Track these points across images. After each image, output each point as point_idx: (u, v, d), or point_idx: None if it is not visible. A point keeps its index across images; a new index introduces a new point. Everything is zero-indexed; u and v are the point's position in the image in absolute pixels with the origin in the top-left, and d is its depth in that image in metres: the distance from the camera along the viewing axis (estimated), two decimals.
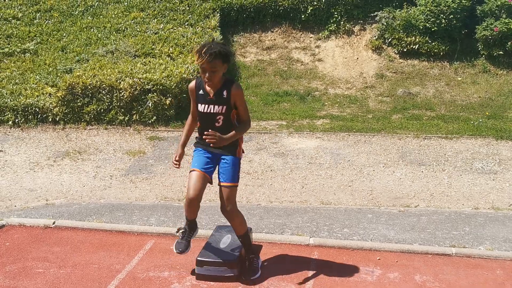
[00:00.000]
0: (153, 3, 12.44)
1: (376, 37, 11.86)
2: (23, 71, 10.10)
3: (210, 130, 3.91)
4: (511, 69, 11.14)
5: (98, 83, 8.94)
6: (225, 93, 3.95)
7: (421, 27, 11.31)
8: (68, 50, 10.89)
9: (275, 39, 12.23)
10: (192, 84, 4.07)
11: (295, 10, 12.25)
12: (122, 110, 8.97)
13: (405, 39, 11.45)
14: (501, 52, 11.03)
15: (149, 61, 9.98)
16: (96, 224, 5.17)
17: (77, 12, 12.34)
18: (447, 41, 11.38)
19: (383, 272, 4.32)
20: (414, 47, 11.42)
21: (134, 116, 8.96)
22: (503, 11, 10.97)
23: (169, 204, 6.09)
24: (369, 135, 8.60)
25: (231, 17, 12.23)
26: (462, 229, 5.16)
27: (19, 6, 12.54)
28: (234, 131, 4.00)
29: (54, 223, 5.17)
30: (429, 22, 11.21)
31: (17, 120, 8.91)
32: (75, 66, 10.16)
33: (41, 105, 8.95)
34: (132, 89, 8.87)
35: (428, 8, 11.25)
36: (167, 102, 8.95)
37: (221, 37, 11.17)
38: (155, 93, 8.93)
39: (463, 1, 11.08)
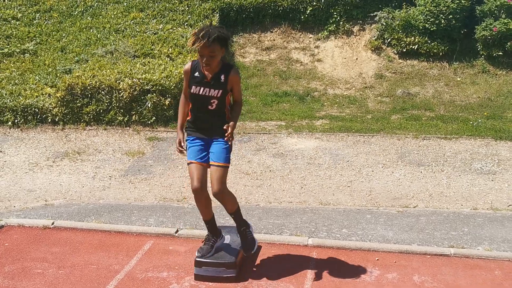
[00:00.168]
0: (152, 3, 12.45)
1: (376, 37, 11.87)
2: (23, 72, 10.11)
3: (227, 130, 3.88)
4: (511, 69, 11.15)
5: (98, 83, 8.94)
6: (222, 77, 3.93)
7: (421, 27, 11.32)
8: (68, 51, 10.90)
9: (274, 40, 12.24)
10: (188, 65, 4.03)
11: (294, 10, 12.26)
12: (121, 110, 8.98)
13: (404, 39, 11.46)
14: (500, 53, 11.04)
15: (149, 62, 9.98)
16: (95, 224, 5.17)
17: (76, 12, 12.35)
18: (447, 41, 11.39)
19: (381, 272, 4.32)
20: (413, 47, 11.43)
21: (133, 116, 8.97)
22: (502, 11, 10.98)
23: (168, 204, 6.10)
24: (368, 135, 8.61)
25: (230, 18, 12.23)
26: (461, 230, 5.16)
27: (19, 6, 12.55)
28: (233, 117, 4.01)
29: (53, 223, 5.17)
30: (428, 22, 11.22)
31: (16, 120, 8.92)
32: (75, 66, 10.17)
33: (41, 105, 8.95)
34: (132, 90, 8.87)
35: (427, 8, 11.26)
36: (166, 102, 8.96)
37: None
38: (154, 94, 8.93)
39: (462, 1, 11.09)
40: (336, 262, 4.49)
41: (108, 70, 9.36)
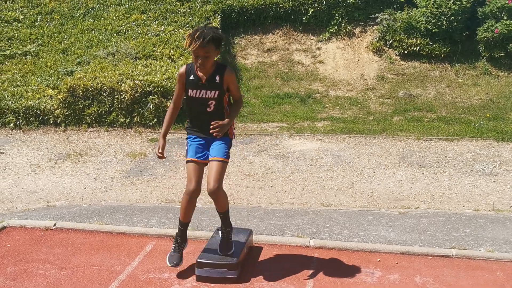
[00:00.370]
0: (154, 5, 12.46)
1: (377, 39, 11.87)
2: (25, 73, 10.13)
3: (213, 123, 3.87)
4: None
5: (99, 85, 8.96)
6: (217, 78, 3.94)
7: (422, 29, 11.31)
8: (69, 52, 10.91)
9: (276, 41, 12.24)
10: (183, 69, 4.03)
11: (296, 12, 12.26)
12: (123, 112, 8.98)
13: (406, 41, 11.45)
14: (502, 54, 11.02)
15: (150, 63, 9.99)
16: (97, 226, 5.18)
17: (78, 14, 12.36)
18: (448, 43, 11.38)
19: (383, 273, 4.32)
20: (415, 49, 11.42)
21: (135, 118, 8.98)
22: (504, 12, 10.97)
23: (170, 206, 6.10)
24: (370, 137, 8.61)
25: (232, 19, 12.24)
26: (463, 231, 5.16)
27: (20, 8, 12.56)
28: (230, 114, 4.01)
29: (55, 224, 5.18)
30: (430, 24, 11.22)
31: (18, 122, 8.94)
32: (76, 68, 10.18)
33: (42, 107, 8.97)
34: (133, 91, 8.88)
35: (429, 10, 11.25)
36: (168, 104, 8.96)
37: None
38: (156, 95, 8.94)
39: (464, 2, 11.09)
40: (338, 263, 4.49)
41: (110, 72, 9.38)
